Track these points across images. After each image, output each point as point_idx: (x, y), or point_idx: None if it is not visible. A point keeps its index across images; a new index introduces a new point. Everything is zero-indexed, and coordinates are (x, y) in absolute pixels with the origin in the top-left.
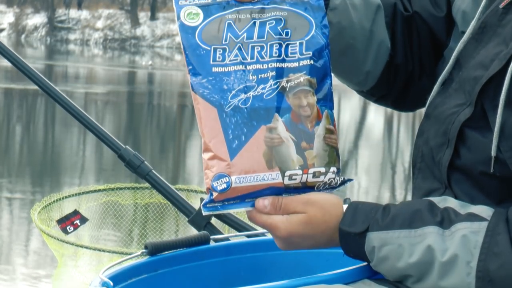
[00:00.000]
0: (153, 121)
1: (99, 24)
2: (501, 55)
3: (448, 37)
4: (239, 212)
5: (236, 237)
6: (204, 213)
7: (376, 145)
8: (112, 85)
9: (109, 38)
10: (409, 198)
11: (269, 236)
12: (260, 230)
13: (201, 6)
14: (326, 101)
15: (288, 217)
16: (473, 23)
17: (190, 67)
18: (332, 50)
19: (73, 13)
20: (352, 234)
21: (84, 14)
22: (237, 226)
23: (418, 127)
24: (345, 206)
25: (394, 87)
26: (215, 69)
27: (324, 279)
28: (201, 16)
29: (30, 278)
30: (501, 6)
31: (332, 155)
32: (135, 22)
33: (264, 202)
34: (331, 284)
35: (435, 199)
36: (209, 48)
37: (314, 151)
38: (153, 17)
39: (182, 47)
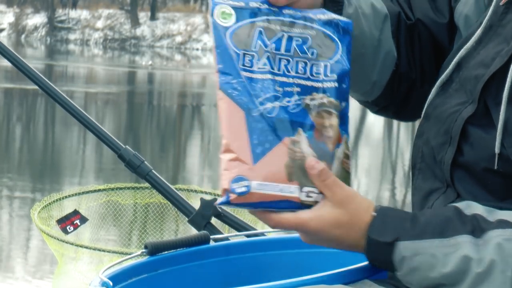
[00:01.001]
0: (153, 121)
1: (99, 24)
2: (503, 53)
3: (450, 43)
4: (239, 212)
5: (236, 237)
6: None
7: (376, 145)
8: (112, 85)
9: (109, 38)
10: (409, 198)
11: (269, 236)
12: (260, 229)
13: (235, 8)
14: (345, 126)
15: (318, 214)
16: (478, 32)
17: (220, 65)
18: None
19: (73, 13)
20: (381, 243)
21: (84, 14)
22: (237, 226)
23: (417, 127)
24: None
25: (397, 96)
26: (243, 73)
27: (324, 279)
28: (234, 17)
29: (30, 278)
30: (501, 3)
31: (347, 180)
32: (135, 22)
33: (316, 164)
34: (331, 284)
35: (460, 205)
36: (239, 52)
37: (333, 172)
38: (153, 17)
39: (213, 44)
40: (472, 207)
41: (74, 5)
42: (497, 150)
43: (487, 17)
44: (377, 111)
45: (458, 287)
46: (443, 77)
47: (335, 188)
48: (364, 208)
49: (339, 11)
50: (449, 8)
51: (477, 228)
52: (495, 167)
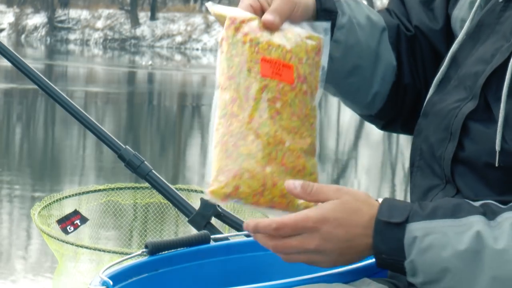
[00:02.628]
0: (153, 121)
1: (99, 24)
2: (503, 49)
3: (447, 49)
4: (239, 212)
5: (236, 237)
6: None
7: (376, 145)
8: (112, 85)
9: (109, 38)
10: (408, 198)
11: None
12: None
13: None
14: None
15: (319, 204)
16: (467, 24)
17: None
18: (340, 71)
19: (73, 13)
20: (392, 224)
21: (84, 14)
22: (237, 226)
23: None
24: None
25: (404, 109)
26: None
27: (324, 278)
28: None
29: (30, 277)
30: (500, 0)
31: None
32: (135, 22)
33: (294, 183)
34: (331, 284)
35: (469, 201)
36: None
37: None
38: (153, 17)
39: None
40: (478, 202)
41: (66, 5)
42: (497, 148)
43: (482, 13)
44: (383, 126)
45: (473, 268)
46: (439, 74)
47: (324, 188)
48: (367, 196)
49: (332, 21)
50: (444, 14)
51: (488, 211)
52: (497, 164)
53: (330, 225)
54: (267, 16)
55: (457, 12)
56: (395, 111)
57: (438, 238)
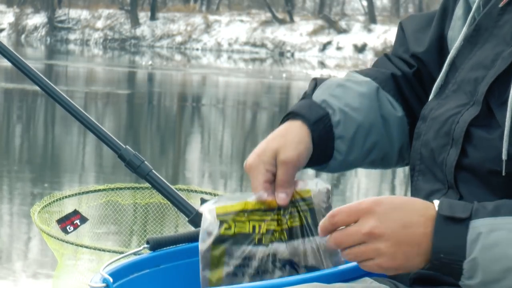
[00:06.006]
0: (153, 121)
1: (99, 24)
2: (505, 54)
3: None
4: None
5: None
6: None
7: None
8: (112, 85)
9: (109, 38)
10: None
11: None
12: None
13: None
14: None
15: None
16: (464, 29)
17: None
18: (357, 157)
19: (73, 13)
20: (455, 219)
21: (84, 14)
22: None
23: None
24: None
25: None
26: None
27: (324, 277)
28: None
29: (29, 277)
30: (500, 5)
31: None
32: (135, 22)
33: (334, 212)
34: (330, 283)
35: None
36: None
37: None
38: (153, 17)
39: None
40: None
41: (59, 3)
42: (504, 157)
43: (480, 16)
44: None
45: None
46: (439, 80)
47: (362, 202)
48: (413, 199)
49: (328, 125)
50: (436, 33)
51: None
52: (503, 171)
53: (384, 206)
54: (280, 200)
55: (451, 33)
56: None
57: (504, 234)
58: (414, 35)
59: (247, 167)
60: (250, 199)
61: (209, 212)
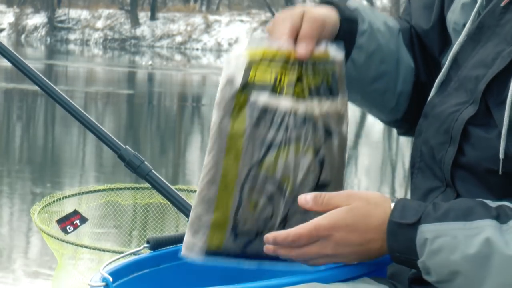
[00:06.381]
0: (153, 121)
1: (99, 24)
2: (505, 54)
3: (439, 51)
4: None
5: None
6: None
7: (376, 145)
8: (112, 85)
9: (109, 38)
10: (408, 198)
11: None
12: None
13: None
14: None
15: (329, 211)
16: (468, 25)
17: None
18: (365, 77)
19: (73, 13)
20: (404, 225)
21: (84, 14)
22: None
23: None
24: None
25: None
26: None
27: (323, 277)
28: None
29: (29, 277)
30: (502, 4)
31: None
32: (135, 22)
33: (306, 197)
34: (329, 283)
35: (485, 201)
36: None
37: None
38: (153, 17)
39: None
40: (498, 203)
41: (59, 3)
42: (501, 156)
43: (483, 14)
44: (408, 130)
45: (482, 272)
46: (441, 76)
47: (335, 197)
48: (380, 198)
49: (353, 29)
50: (438, 14)
51: (502, 215)
52: (500, 170)
53: (342, 231)
54: (300, 50)
55: (451, 15)
56: (418, 112)
57: (447, 241)
58: (419, 10)
59: (273, 21)
60: (270, 47)
61: (236, 58)
